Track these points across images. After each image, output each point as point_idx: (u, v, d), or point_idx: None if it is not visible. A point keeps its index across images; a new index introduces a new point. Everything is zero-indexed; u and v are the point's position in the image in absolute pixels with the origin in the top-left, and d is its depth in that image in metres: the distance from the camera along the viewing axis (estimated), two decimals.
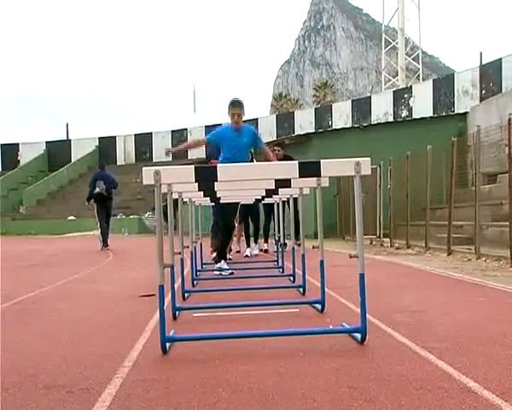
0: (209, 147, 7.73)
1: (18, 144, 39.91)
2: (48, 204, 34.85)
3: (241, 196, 5.50)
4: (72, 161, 38.28)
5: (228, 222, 6.80)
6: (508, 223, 8.12)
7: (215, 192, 4.50)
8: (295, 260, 5.71)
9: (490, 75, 23.63)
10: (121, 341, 3.30)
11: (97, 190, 13.27)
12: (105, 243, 13.37)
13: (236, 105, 6.62)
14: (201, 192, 4.57)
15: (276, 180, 3.67)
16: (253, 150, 7.53)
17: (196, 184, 3.66)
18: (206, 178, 3.02)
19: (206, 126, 33.29)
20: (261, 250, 10.17)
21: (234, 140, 6.52)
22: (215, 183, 3.70)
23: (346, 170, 2.93)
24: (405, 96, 27.59)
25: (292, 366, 2.64)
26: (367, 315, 3.01)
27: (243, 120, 6.76)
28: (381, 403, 2.10)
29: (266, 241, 10.31)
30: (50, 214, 32.74)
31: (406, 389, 2.27)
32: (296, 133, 26.20)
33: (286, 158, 9.83)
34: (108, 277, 7.42)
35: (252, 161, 7.52)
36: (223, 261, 6.81)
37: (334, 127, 27.13)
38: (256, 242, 10.23)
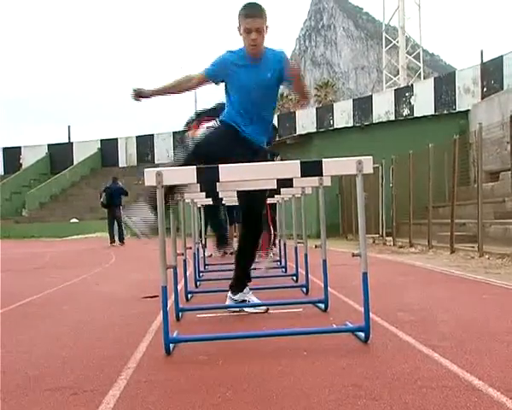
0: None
1: (20, 148, 39.91)
2: (50, 207, 34.85)
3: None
4: (75, 163, 38.27)
5: (256, 214, 4.10)
6: (511, 220, 8.12)
7: (217, 193, 4.50)
8: (298, 260, 5.71)
9: (491, 73, 23.57)
10: (125, 342, 3.31)
11: (101, 200, 17.29)
12: (112, 240, 17.11)
13: (254, 12, 3.83)
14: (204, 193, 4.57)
15: (278, 180, 3.67)
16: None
17: (198, 184, 3.66)
18: (208, 178, 3.02)
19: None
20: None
21: (249, 75, 3.87)
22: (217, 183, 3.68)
23: (348, 169, 2.93)
24: (407, 94, 27.54)
25: (296, 366, 2.64)
26: (370, 314, 3.00)
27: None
28: (385, 402, 2.10)
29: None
30: (53, 217, 32.74)
31: (410, 387, 2.26)
32: (298, 133, 26.17)
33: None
34: (112, 278, 7.42)
35: (275, 131, 4.64)
36: (247, 289, 4.18)
37: (335, 127, 27.08)
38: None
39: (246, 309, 4.09)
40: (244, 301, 4.15)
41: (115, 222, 17.14)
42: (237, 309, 4.09)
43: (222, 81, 3.99)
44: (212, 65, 3.94)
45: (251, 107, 3.93)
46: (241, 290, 4.15)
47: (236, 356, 2.89)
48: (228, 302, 4.16)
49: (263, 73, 3.89)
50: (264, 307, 4.11)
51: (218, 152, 3.80)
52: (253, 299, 4.18)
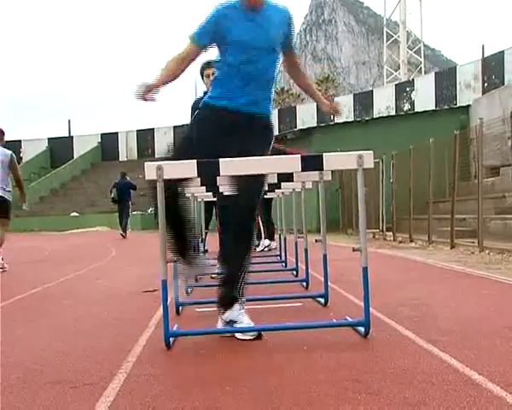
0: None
1: (20, 141, 39.87)
2: (51, 201, 34.89)
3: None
4: (75, 157, 38.30)
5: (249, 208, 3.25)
6: (511, 216, 8.11)
7: (217, 186, 4.49)
8: (298, 255, 5.71)
9: (492, 68, 23.54)
10: (125, 336, 3.31)
11: (111, 195, 18.36)
12: (123, 231, 17.86)
13: None
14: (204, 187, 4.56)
15: (278, 174, 3.66)
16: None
17: (199, 178, 3.64)
18: (208, 172, 3.01)
19: None
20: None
21: (247, 28, 3.15)
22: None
23: (349, 163, 2.92)
24: (407, 89, 27.53)
25: (295, 360, 2.64)
26: (370, 309, 3.00)
27: None
28: (385, 396, 2.10)
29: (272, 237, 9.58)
30: (53, 211, 32.78)
31: (410, 382, 2.26)
32: (298, 128, 26.15)
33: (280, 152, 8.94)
34: (112, 273, 7.43)
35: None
36: (239, 306, 3.17)
37: (336, 121, 27.09)
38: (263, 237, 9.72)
39: (236, 335, 3.11)
40: (232, 322, 3.13)
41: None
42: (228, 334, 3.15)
43: (215, 44, 3.21)
44: (199, 28, 3.18)
45: (250, 66, 3.15)
46: (230, 307, 3.15)
47: (236, 350, 2.89)
48: (218, 324, 3.22)
49: (266, 26, 3.17)
50: (255, 333, 3.08)
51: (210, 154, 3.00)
52: (245, 321, 3.15)
